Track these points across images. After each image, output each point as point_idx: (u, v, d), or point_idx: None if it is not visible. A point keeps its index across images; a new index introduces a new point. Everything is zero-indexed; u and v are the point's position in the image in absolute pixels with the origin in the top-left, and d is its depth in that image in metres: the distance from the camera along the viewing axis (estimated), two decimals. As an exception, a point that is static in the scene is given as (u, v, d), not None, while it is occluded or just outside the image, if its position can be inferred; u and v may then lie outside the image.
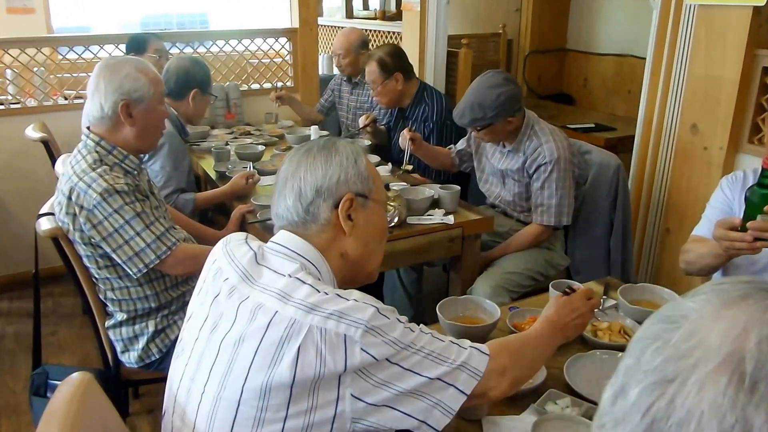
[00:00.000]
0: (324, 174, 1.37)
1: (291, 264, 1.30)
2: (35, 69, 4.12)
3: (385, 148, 3.88)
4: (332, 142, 1.44)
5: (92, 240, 2.14)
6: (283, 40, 4.73)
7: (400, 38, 5.47)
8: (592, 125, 5.13)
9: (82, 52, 4.18)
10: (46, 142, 3.53)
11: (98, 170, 2.10)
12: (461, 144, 3.28)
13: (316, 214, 1.37)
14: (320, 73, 5.06)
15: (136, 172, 2.25)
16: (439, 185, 2.93)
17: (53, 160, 3.54)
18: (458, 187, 2.86)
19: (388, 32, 5.74)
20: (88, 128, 2.22)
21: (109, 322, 2.38)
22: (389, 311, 1.22)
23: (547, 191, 2.82)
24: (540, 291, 2.99)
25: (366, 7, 6.82)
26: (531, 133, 2.86)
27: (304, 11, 4.58)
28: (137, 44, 3.84)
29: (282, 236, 1.39)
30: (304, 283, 1.24)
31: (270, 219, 2.61)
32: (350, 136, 3.81)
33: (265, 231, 2.63)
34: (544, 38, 6.51)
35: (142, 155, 2.34)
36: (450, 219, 2.73)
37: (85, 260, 2.24)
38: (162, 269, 2.23)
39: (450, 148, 3.33)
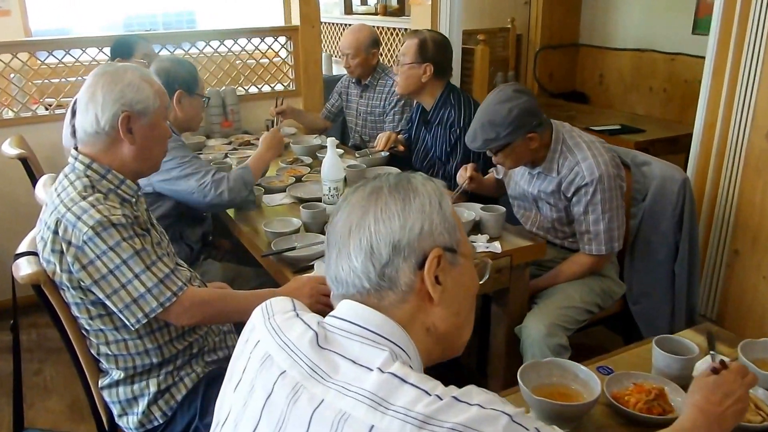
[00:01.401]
0: (403, 224, 1.02)
1: (376, 351, 0.96)
2: (11, 76, 3.71)
3: (404, 159, 3.50)
4: (406, 179, 1.09)
5: (82, 284, 1.77)
6: (282, 39, 4.33)
7: (410, 34, 5.10)
8: (618, 126, 4.79)
9: (63, 57, 3.77)
10: (24, 160, 3.12)
11: (90, 199, 1.75)
12: (500, 171, 2.94)
13: (395, 279, 1.02)
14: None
15: (134, 200, 1.90)
16: (480, 205, 2.54)
17: (33, 180, 3.15)
18: (503, 209, 2.49)
19: (393, 29, 5.35)
20: (76, 148, 1.87)
21: (103, 381, 1.99)
22: (524, 417, 0.88)
23: (592, 216, 2.46)
24: (592, 325, 2.67)
25: (364, 2, 6.44)
26: (564, 150, 2.50)
27: (305, 7, 4.19)
28: (123, 48, 3.44)
29: (349, 309, 1.04)
30: (405, 381, 0.90)
31: (289, 250, 2.35)
32: (364, 155, 3.40)
33: (281, 263, 2.26)
34: (555, 33, 6.19)
35: (139, 180, 1.98)
36: (497, 246, 2.36)
37: (73, 309, 1.87)
38: (166, 319, 1.85)
39: (492, 172, 2.99)
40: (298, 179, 3.11)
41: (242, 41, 4.22)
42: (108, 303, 1.77)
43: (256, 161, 2.81)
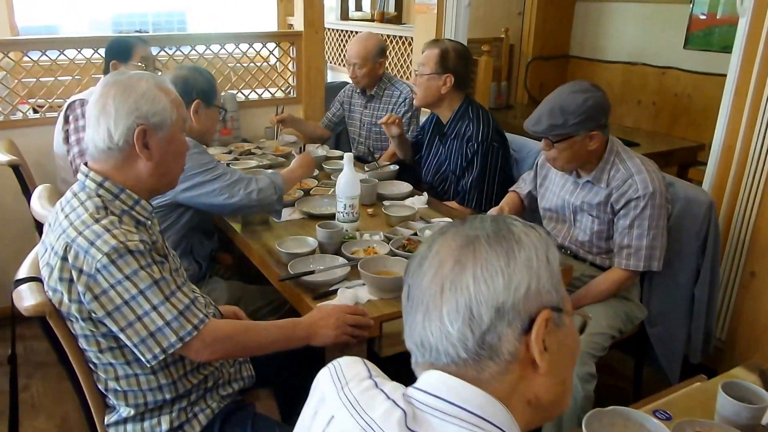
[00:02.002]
0: (507, 283, 0.90)
1: None
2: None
3: (413, 172, 3.40)
4: (506, 227, 0.96)
5: (93, 315, 1.61)
6: (275, 44, 4.20)
7: (409, 43, 4.99)
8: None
9: (57, 57, 3.61)
10: (16, 167, 2.96)
11: (103, 222, 1.59)
12: (529, 183, 2.86)
13: (496, 347, 0.90)
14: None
15: (149, 223, 1.75)
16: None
17: (24, 187, 2.99)
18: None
19: (393, 36, 5.23)
20: (86, 164, 1.72)
21: (110, 418, 1.84)
22: None
23: (637, 230, 2.39)
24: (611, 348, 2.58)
25: (359, 7, 6.30)
26: (616, 161, 2.44)
27: (309, 12, 4.06)
28: (120, 50, 3.27)
29: (441, 383, 0.91)
30: None
31: (308, 273, 2.22)
32: (373, 168, 3.29)
33: (299, 287, 2.14)
34: (547, 44, 6.17)
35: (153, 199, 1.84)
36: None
37: (81, 341, 1.71)
38: (185, 354, 1.71)
39: (517, 191, 2.90)
40: (306, 192, 2.98)
41: (243, 45, 4.08)
42: (122, 336, 1.62)
43: (288, 173, 2.71)
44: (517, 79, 6.14)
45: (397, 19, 5.81)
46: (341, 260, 2.26)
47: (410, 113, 3.77)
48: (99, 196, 1.66)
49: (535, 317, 0.90)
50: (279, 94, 4.28)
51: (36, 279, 1.76)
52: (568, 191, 2.59)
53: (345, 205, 2.55)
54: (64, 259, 1.58)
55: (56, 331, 1.71)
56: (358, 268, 2.10)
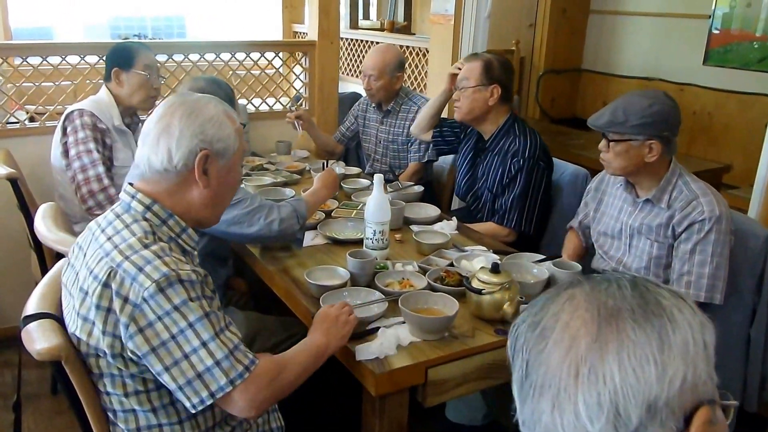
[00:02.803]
0: (661, 374, 0.73)
1: None
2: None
3: (435, 192, 3.21)
4: (653, 297, 0.78)
5: (130, 352, 1.43)
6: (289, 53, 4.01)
7: (423, 55, 4.82)
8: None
9: (59, 63, 3.39)
10: (14, 181, 2.74)
11: (153, 248, 1.46)
12: (581, 212, 2.72)
13: None
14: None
15: (194, 253, 1.64)
16: (551, 260, 2.25)
17: (22, 204, 2.77)
18: (578, 266, 2.22)
19: (406, 47, 5.06)
20: (131, 184, 1.59)
21: (125, 476, 1.63)
22: None
23: (699, 257, 2.23)
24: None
25: (366, 16, 6.12)
26: (680, 183, 2.31)
27: (324, 21, 3.86)
28: (122, 57, 3.05)
29: None
30: None
31: (373, 331, 1.89)
32: (396, 188, 3.08)
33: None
34: (559, 57, 6.03)
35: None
36: (576, 310, 2.06)
37: (106, 382, 1.52)
38: (225, 406, 1.50)
39: (574, 227, 2.76)
40: (328, 214, 2.78)
41: (253, 54, 3.88)
42: (164, 378, 1.44)
43: (311, 196, 2.52)
44: (528, 93, 5.98)
45: (406, 29, 5.65)
46: (377, 295, 2.06)
47: (429, 126, 3.58)
48: (146, 219, 1.53)
49: (691, 415, 0.74)
50: (291, 105, 4.06)
51: (48, 315, 1.58)
52: (626, 213, 2.45)
53: (375, 231, 2.36)
54: (106, 285, 1.42)
55: (72, 377, 1.52)
56: (399, 305, 1.91)
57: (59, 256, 2.15)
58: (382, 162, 3.76)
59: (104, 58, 3.10)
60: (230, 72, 3.79)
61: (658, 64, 5.34)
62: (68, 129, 2.92)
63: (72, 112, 2.94)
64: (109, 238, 1.49)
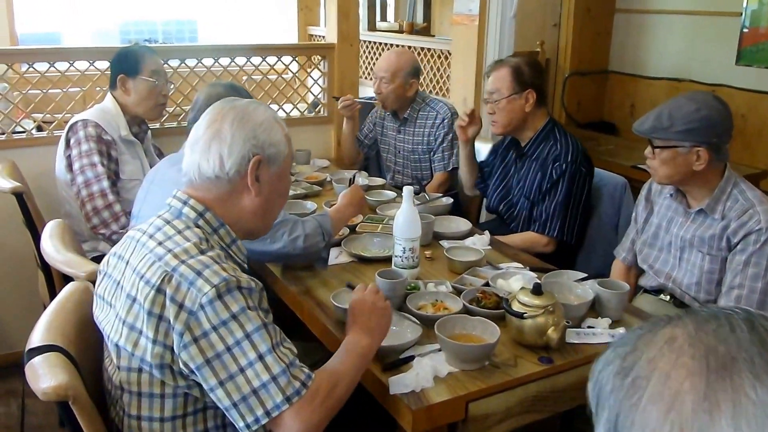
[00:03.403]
0: None
1: None
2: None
3: (461, 204, 3.04)
4: None
5: (183, 364, 1.34)
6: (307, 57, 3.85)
7: (445, 57, 4.65)
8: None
9: (67, 69, 3.25)
10: (19, 195, 2.58)
11: (210, 254, 1.41)
12: (631, 230, 2.54)
13: None
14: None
15: (245, 266, 1.58)
16: (595, 280, 2.07)
17: (28, 219, 2.61)
18: (626, 285, 2.04)
19: (426, 50, 4.88)
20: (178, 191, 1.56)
21: None
22: None
23: (752, 269, 2.08)
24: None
25: (384, 17, 5.95)
26: (735, 192, 2.17)
27: (343, 24, 3.69)
28: (128, 62, 2.89)
29: None
30: None
31: (409, 359, 1.69)
32: (423, 200, 2.90)
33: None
34: (584, 58, 5.80)
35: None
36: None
37: (139, 404, 1.43)
38: (285, 421, 1.36)
39: (624, 259, 2.57)
40: (352, 229, 2.61)
41: (272, 59, 3.73)
42: (217, 394, 1.34)
43: (336, 213, 2.36)
44: (553, 96, 5.78)
45: (426, 31, 5.47)
46: (410, 319, 1.89)
47: (451, 135, 3.40)
48: (198, 227, 1.49)
49: None
50: (307, 113, 3.91)
51: (55, 348, 1.43)
52: (677, 224, 2.30)
53: (404, 248, 2.19)
54: (159, 290, 1.35)
55: (80, 418, 1.37)
56: (436, 332, 1.74)
57: (67, 278, 2.00)
58: (404, 174, 3.60)
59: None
60: (245, 77, 3.62)
61: (688, 65, 5.14)
62: (72, 141, 2.77)
63: (75, 122, 2.79)
64: (160, 243, 1.43)
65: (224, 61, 3.55)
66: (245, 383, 1.33)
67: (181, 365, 1.34)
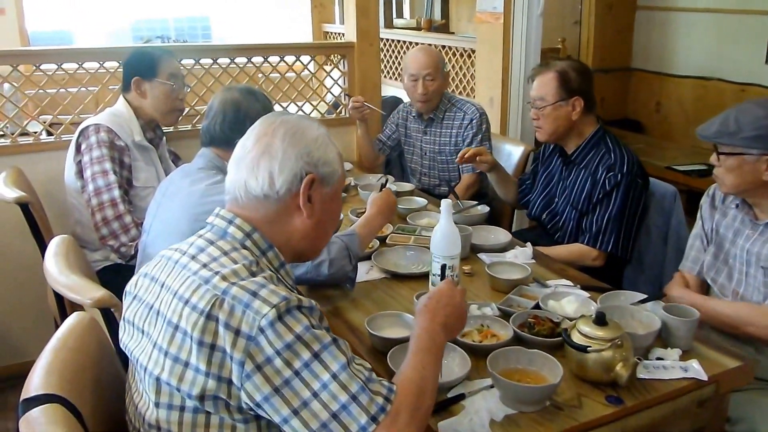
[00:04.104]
0: None
1: None
2: (4, 86, 2.98)
3: (496, 211, 2.86)
4: None
5: (247, 397, 1.19)
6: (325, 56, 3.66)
7: (468, 56, 4.46)
8: (704, 167, 4.16)
9: (76, 70, 3.07)
10: (25, 206, 2.41)
11: (262, 275, 1.28)
12: (694, 239, 2.33)
13: None
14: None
15: (295, 291, 1.41)
16: (656, 302, 1.89)
17: (36, 233, 2.44)
18: (696, 312, 1.83)
19: (447, 48, 4.69)
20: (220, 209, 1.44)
21: None
22: None
23: None
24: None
25: (400, 14, 5.76)
26: None
27: (362, 21, 3.51)
28: (144, 64, 2.72)
29: None
30: None
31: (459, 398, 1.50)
32: (457, 209, 2.71)
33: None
34: (606, 55, 5.68)
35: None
36: (698, 370, 1.68)
37: None
38: None
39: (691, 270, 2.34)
40: (382, 241, 2.43)
41: (290, 58, 3.55)
42: (292, 425, 1.18)
43: (365, 227, 2.17)
44: (576, 93, 5.62)
45: (444, 28, 5.29)
46: (459, 352, 1.70)
47: (480, 135, 3.25)
48: (246, 248, 1.36)
49: None
50: (327, 114, 3.72)
51: (55, 399, 1.23)
52: (744, 236, 2.12)
53: (443, 266, 2.00)
54: (210, 317, 1.20)
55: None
56: (488, 369, 1.56)
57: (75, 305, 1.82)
58: (430, 176, 3.44)
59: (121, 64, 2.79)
60: (260, 76, 3.43)
61: (716, 63, 4.99)
62: (83, 146, 2.60)
63: (87, 127, 2.62)
64: (205, 265, 1.29)
65: (239, 59, 3.37)
66: (322, 408, 1.18)
67: (245, 398, 1.19)
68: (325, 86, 3.67)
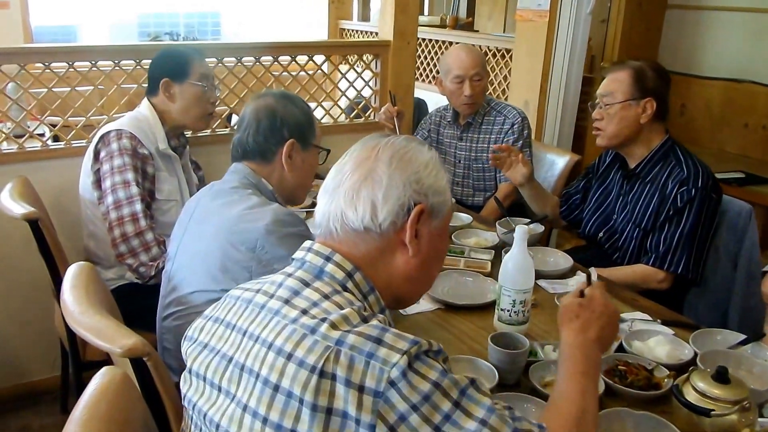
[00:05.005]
0: None
1: None
2: (5, 85, 2.72)
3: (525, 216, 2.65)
4: None
5: None
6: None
7: (502, 56, 4.23)
8: (741, 175, 3.98)
9: (89, 70, 2.81)
10: (34, 222, 2.16)
11: (376, 320, 1.09)
12: None
13: None
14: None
15: None
16: (757, 343, 1.66)
17: (45, 251, 2.20)
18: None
19: (478, 48, 4.43)
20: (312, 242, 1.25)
21: None
22: None
23: None
24: None
25: (421, 11, 5.52)
26: None
27: (400, 19, 3.26)
28: (176, 66, 2.49)
29: None
30: None
31: None
32: (507, 227, 2.47)
33: None
34: (632, 55, 5.42)
35: None
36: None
37: None
38: None
39: None
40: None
41: (319, 57, 3.32)
42: None
43: None
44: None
45: (470, 26, 5.06)
46: (542, 405, 1.46)
47: (521, 142, 3.02)
48: (347, 290, 1.17)
49: None
50: (357, 119, 3.48)
51: None
52: None
53: (515, 301, 1.77)
54: (324, 374, 1.00)
55: None
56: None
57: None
58: (463, 185, 3.22)
59: (141, 63, 2.55)
60: (276, 74, 3.16)
61: (748, 65, 4.79)
62: (102, 154, 2.36)
63: (108, 133, 2.38)
64: (305, 312, 1.09)
65: (262, 59, 3.12)
66: None
67: None
68: (355, 88, 3.43)
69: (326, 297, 1.12)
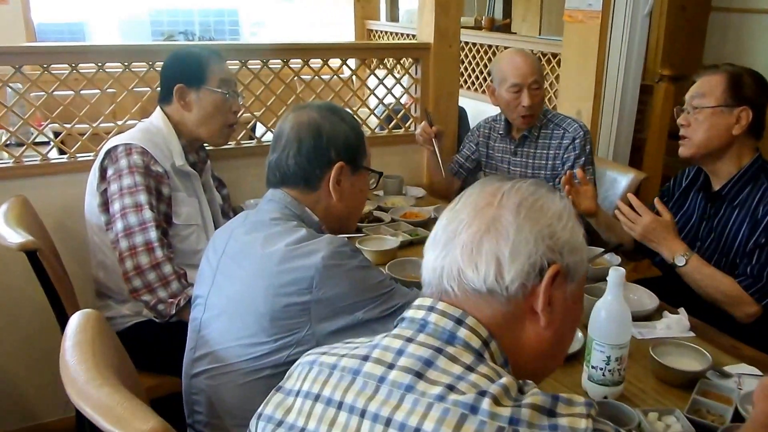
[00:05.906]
0: None
1: None
2: (6, 90, 2.48)
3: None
4: None
5: None
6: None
7: (547, 61, 3.93)
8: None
9: (95, 73, 2.52)
10: (33, 253, 1.86)
11: (533, 389, 0.91)
12: None
13: None
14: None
15: None
16: None
17: (47, 284, 1.91)
18: None
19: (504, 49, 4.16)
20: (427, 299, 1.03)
21: None
22: None
23: None
24: None
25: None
26: None
27: (442, 20, 2.97)
28: (191, 71, 2.21)
29: None
30: None
31: None
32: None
33: None
34: (676, 60, 5.12)
35: None
36: None
37: None
38: None
39: None
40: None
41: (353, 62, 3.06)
42: None
43: None
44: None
45: (507, 28, 4.77)
46: None
47: (583, 158, 2.71)
48: (482, 356, 0.96)
49: None
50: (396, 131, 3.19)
51: None
52: None
53: (609, 357, 1.48)
54: None
55: None
56: None
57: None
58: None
59: (154, 66, 2.30)
60: (321, 84, 2.88)
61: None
62: (109, 173, 2.06)
63: (116, 147, 2.08)
64: (451, 387, 0.88)
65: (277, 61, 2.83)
66: None
67: None
68: (394, 95, 3.13)
69: (470, 369, 0.91)
